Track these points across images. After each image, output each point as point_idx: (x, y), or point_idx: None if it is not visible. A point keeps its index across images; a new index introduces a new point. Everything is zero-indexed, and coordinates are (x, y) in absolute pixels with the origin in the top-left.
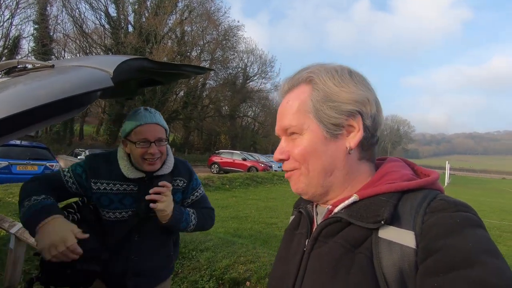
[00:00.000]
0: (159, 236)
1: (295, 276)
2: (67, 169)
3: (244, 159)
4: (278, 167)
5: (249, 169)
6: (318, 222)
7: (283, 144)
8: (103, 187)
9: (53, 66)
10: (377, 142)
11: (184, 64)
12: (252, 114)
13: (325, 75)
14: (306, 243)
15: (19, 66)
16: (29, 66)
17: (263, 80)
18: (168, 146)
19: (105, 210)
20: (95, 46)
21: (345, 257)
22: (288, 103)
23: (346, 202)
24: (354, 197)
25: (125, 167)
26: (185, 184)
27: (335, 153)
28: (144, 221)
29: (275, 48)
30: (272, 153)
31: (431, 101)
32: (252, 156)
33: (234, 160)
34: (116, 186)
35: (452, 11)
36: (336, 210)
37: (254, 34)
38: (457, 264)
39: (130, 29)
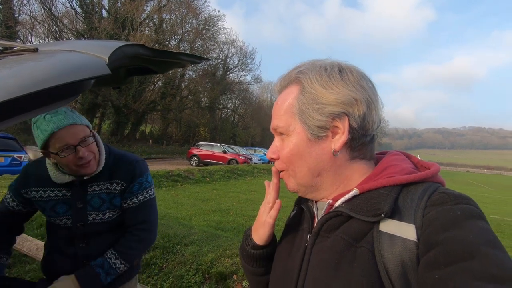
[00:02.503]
0: (106, 240)
1: (299, 271)
2: (8, 193)
3: (224, 152)
4: (258, 159)
5: (229, 161)
6: (319, 217)
7: (276, 143)
8: (32, 195)
9: (36, 49)
10: (372, 140)
11: (181, 52)
12: (232, 106)
13: (313, 76)
14: (308, 238)
15: None
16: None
17: (244, 72)
18: (99, 141)
19: (44, 215)
20: (66, 30)
21: (347, 251)
22: (277, 104)
23: (347, 196)
24: (355, 191)
25: (52, 173)
26: (123, 187)
27: (320, 155)
28: (83, 228)
29: (251, 42)
30: (252, 145)
31: (400, 97)
32: (232, 148)
33: (214, 153)
34: (47, 192)
35: (417, 12)
36: (336, 204)
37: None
38: (458, 256)
39: (105, 14)
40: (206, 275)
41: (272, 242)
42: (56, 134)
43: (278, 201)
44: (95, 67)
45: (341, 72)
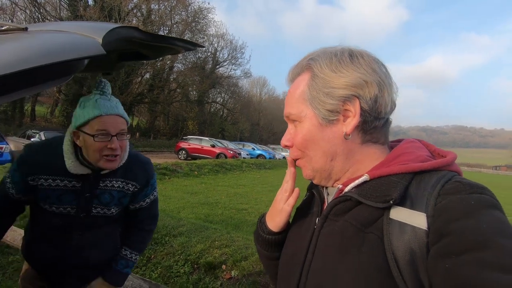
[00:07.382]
0: (102, 230)
1: (306, 253)
2: (8, 180)
3: (213, 146)
4: (247, 154)
5: (217, 156)
6: (329, 202)
7: (290, 130)
8: (40, 182)
9: (26, 29)
10: (385, 124)
11: (175, 37)
12: (221, 100)
13: (323, 61)
14: (317, 221)
15: None
16: None
17: (233, 66)
18: (127, 141)
19: (41, 202)
20: (49, 18)
21: (355, 236)
22: (290, 92)
23: (357, 182)
24: (365, 177)
25: (70, 162)
26: (136, 189)
27: (332, 139)
28: (84, 218)
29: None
30: (241, 140)
31: None
32: (220, 143)
33: (202, 147)
34: (56, 181)
35: (391, 12)
36: (346, 189)
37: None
38: (470, 245)
39: (90, 1)
40: (195, 265)
41: (287, 228)
42: (101, 117)
43: (296, 189)
44: (89, 47)
45: (351, 56)
